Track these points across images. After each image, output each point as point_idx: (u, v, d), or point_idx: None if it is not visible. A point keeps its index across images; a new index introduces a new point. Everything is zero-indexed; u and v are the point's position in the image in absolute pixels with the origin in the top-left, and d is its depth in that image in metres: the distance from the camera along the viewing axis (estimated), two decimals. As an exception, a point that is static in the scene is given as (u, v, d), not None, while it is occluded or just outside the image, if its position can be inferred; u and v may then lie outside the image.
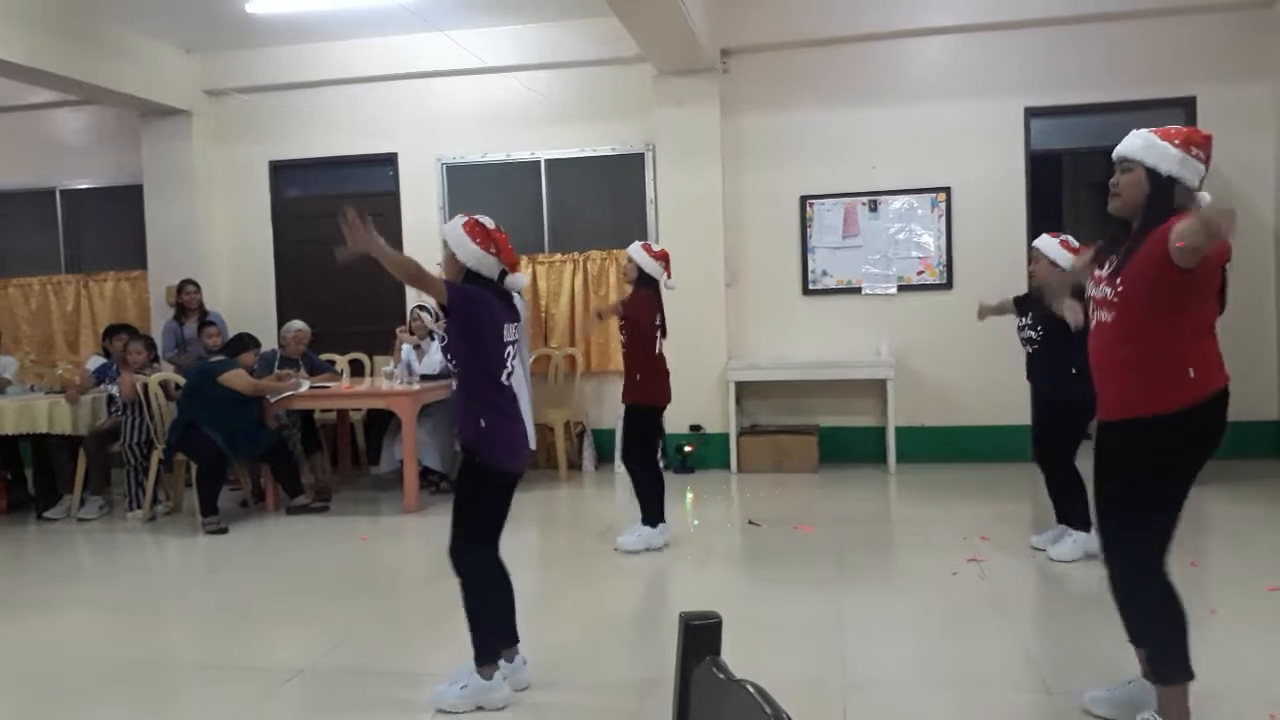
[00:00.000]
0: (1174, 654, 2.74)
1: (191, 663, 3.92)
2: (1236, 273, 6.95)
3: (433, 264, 3.51)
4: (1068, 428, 4.71)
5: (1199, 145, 2.72)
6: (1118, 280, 2.73)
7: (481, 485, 3.29)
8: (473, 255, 3.30)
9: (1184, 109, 7.04)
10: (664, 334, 5.25)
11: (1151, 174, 2.70)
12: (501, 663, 3.30)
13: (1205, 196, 2.74)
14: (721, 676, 1.02)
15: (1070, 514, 4.82)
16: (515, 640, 3.40)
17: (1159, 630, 2.77)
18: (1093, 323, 2.87)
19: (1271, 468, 6.61)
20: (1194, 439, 2.71)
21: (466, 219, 3.36)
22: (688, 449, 7.45)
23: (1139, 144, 2.74)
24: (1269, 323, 6.98)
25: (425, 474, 6.92)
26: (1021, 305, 4.99)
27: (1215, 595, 4.22)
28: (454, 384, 3.39)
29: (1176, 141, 2.70)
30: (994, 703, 3.21)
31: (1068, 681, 3.31)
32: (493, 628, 3.28)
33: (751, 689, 0.94)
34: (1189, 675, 2.73)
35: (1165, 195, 2.70)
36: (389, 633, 4.15)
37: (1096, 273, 2.87)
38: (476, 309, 3.26)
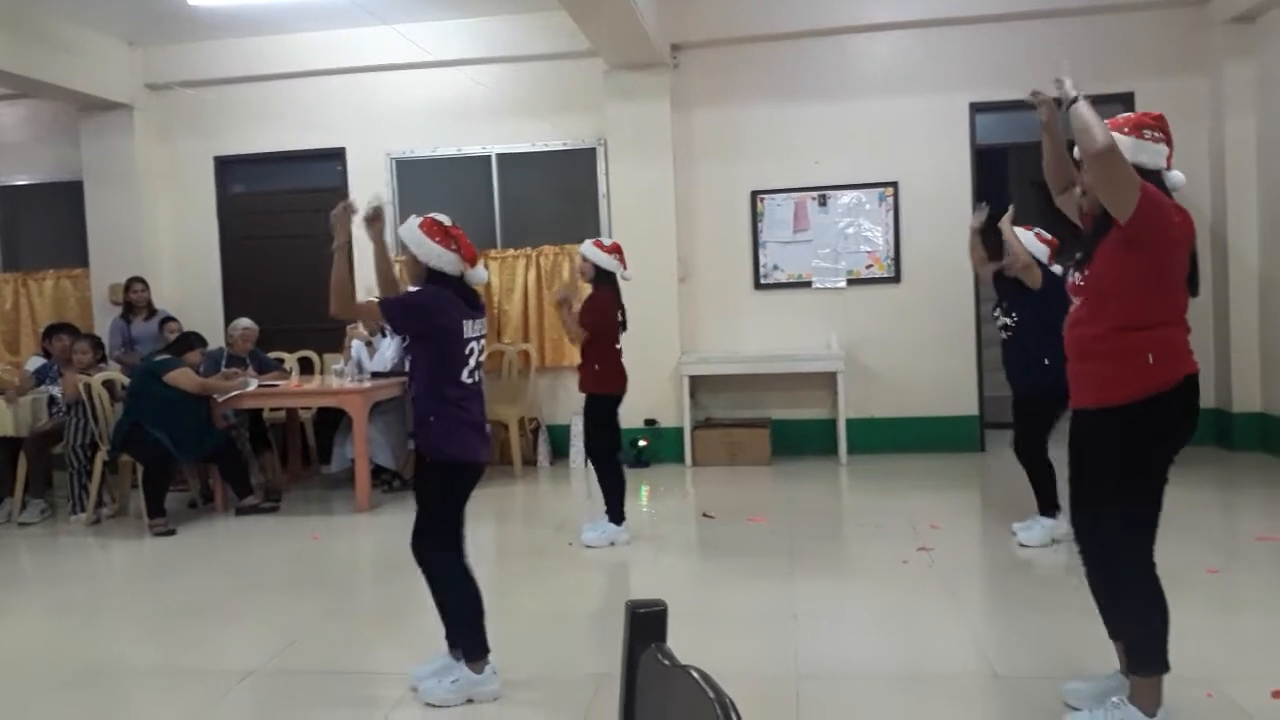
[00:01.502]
0: (1154, 646, 2.74)
1: (140, 667, 3.85)
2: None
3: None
4: (1039, 418, 4.79)
5: (1150, 126, 2.71)
6: (1085, 269, 2.76)
7: (433, 479, 3.29)
8: (433, 254, 3.28)
9: (1123, 104, 7.18)
10: (624, 327, 5.27)
11: None
12: (464, 669, 3.29)
13: (1178, 175, 2.74)
14: (666, 663, 1.03)
15: (1044, 505, 4.89)
16: (486, 651, 3.37)
17: (1141, 622, 2.77)
18: (1070, 310, 2.88)
19: (1211, 455, 6.80)
20: (1160, 427, 2.70)
21: (423, 219, 3.35)
22: (642, 443, 7.46)
23: None
24: (1205, 314, 7.16)
25: (378, 472, 6.86)
26: (997, 287, 4.95)
27: (1155, 578, 4.33)
28: (409, 373, 3.38)
29: (1126, 129, 2.70)
30: (943, 687, 3.27)
31: (1015, 666, 3.38)
32: (476, 620, 3.28)
33: (695, 674, 0.95)
34: (1166, 667, 2.74)
35: None
36: (342, 632, 4.11)
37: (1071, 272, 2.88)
38: (419, 315, 3.26)
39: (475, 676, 3.26)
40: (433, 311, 3.26)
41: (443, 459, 3.25)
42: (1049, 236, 4.80)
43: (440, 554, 3.28)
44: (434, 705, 3.21)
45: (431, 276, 3.32)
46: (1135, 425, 2.69)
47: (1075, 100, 2.65)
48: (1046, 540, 4.78)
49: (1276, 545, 4.71)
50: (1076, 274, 2.82)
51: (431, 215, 3.39)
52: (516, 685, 3.41)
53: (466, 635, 3.27)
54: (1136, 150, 2.67)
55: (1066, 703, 2.98)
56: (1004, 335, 4.92)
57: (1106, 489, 2.76)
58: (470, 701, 3.23)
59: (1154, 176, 2.69)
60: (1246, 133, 6.84)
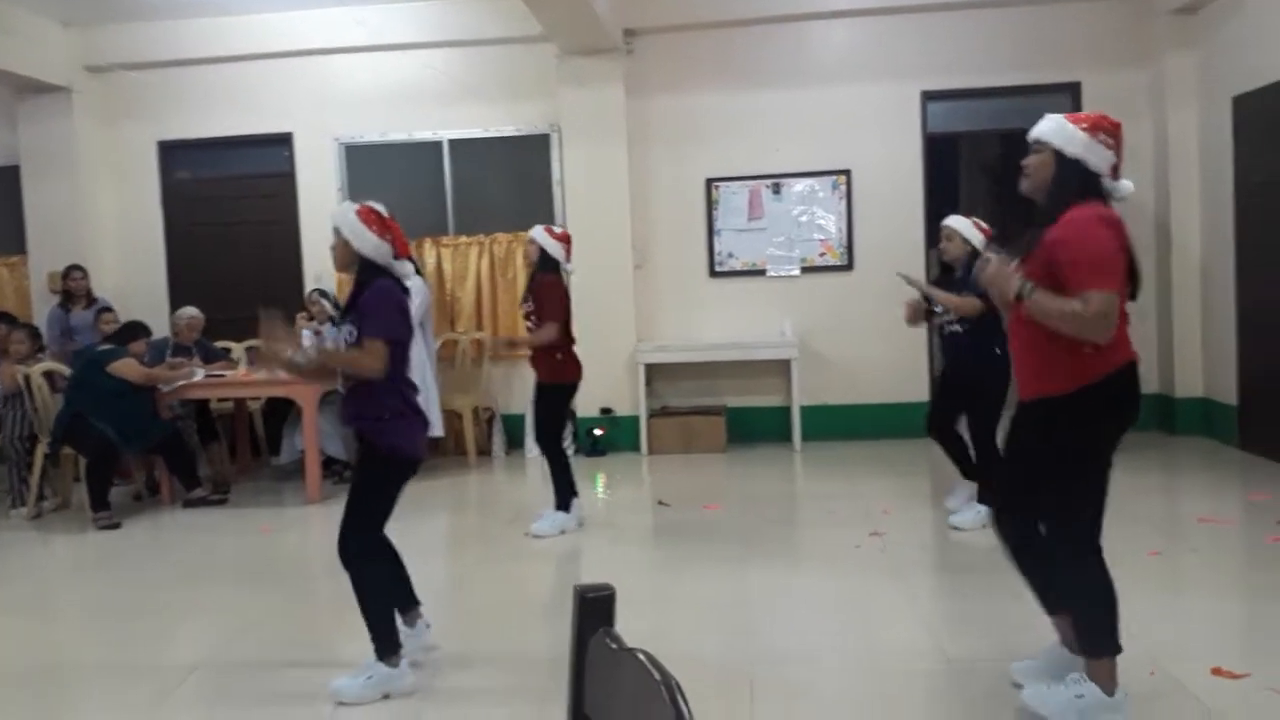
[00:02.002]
0: (1102, 629, 2.79)
1: (85, 664, 3.76)
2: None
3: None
4: (990, 408, 4.83)
5: (1107, 132, 2.79)
6: (1024, 266, 2.80)
7: (383, 474, 3.27)
8: (370, 243, 3.25)
9: (1070, 94, 7.30)
10: (569, 316, 5.24)
11: (1059, 156, 2.79)
12: (403, 627, 3.34)
13: (1126, 185, 2.82)
14: (614, 646, 1.02)
15: (970, 471, 5.03)
16: (416, 603, 3.46)
17: (1088, 607, 2.81)
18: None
19: (1155, 439, 6.95)
20: (1102, 415, 2.75)
21: (359, 206, 3.31)
22: (599, 432, 7.45)
23: (1050, 126, 2.83)
24: (1149, 303, 7.30)
25: (328, 463, 6.76)
26: (944, 288, 4.96)
27: (1101, 560, 4.42)
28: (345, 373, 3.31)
29: (1084, 126, 2.78)
30: (895, 671, 3.31)
31: (965, 648, 3.42)
32: (390, 617, 3.26)
33: (642, 656, 0.94)
34: (1117, 649, 2.79)
35: (1071, 177, 2.78)
36: (292, 625, 4.05)
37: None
38: (400, 320, 3.25)
39: (390, 671, 3.22)
40: (401, 307, 3.27)
41: (401, 455, 3.26)
42: (985, 226, 4.88)
43: (366, 540, 3.26)
44: (346, 704, 3.15)
45: (364, 265, 3.29)
46: (1076, 414, 2.74)
47: (1030, 291, 2.72)
48: (979, 524, 4.80)
49: (1217, 527, 4.83)
50: (1018, 258, 2.85)
51: (368, 203, 3.35)
52: (470, 672, 3.41)
53: (379, 624, 3.22)
54: (1087, 149, 2.76)
55: (1015, 681, 3.03)
56: (955, 329, 4.93)
57: (1048, 478, 2.81)
58: (387, 697, 3.19)
59: (1094, 179, 2.78)
60: (1189, 124, 6.97)
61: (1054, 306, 2.67)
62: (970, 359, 4.83)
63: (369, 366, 3.15)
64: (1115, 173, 2.82)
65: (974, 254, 4.64)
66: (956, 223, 4.91)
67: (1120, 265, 2.71)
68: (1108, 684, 2.77)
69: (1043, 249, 2.74)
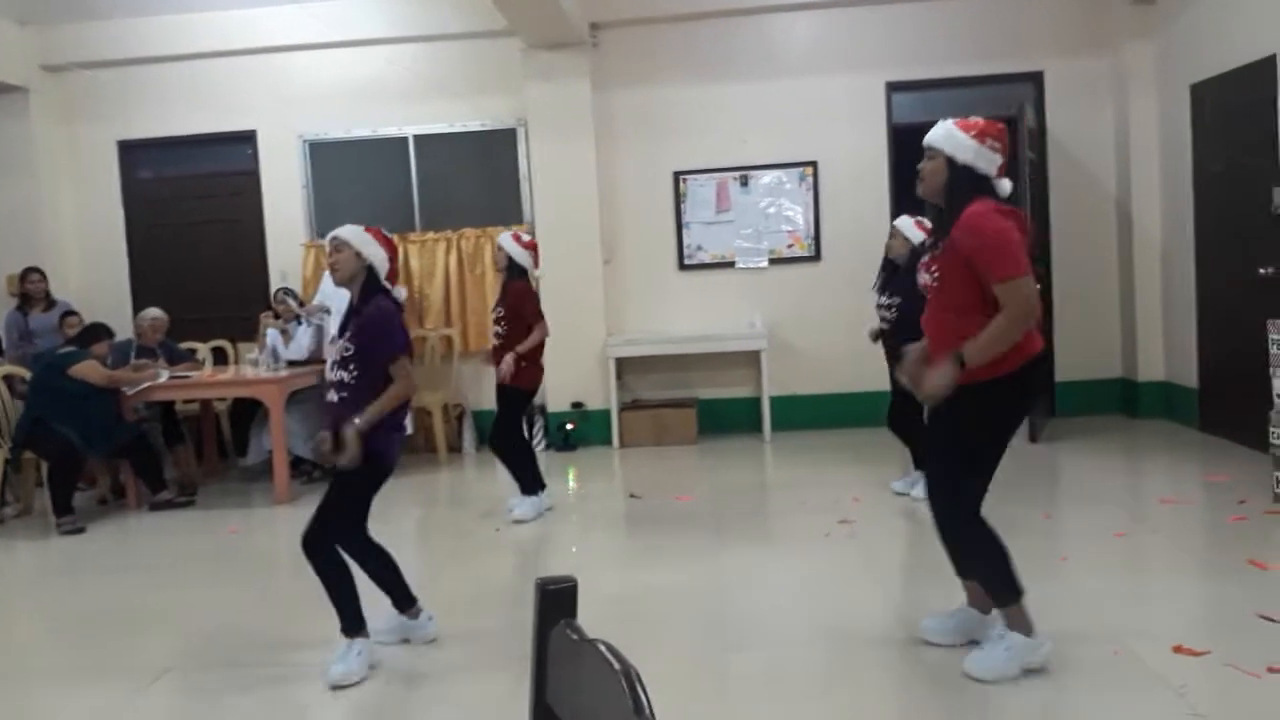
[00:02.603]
0: (1002, 580, 3.02)
1: (51, 669, 3.71)
2: (1081, 243, 7.38)
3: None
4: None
5: (994, 137, 2.97)
6: (934, 267, 3.01)
7: (364, 478, 3.36)
8: (377, 256, 3.40)
9: (1033, 83, 7.38)
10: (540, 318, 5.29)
11: (950, 162, 2.96)
12: (407, 619, 3.56)
13: (1006, 184, 3.01)
14: (575, 637, 1.02)
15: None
16: (414, 600, 3.58)
17: (986, 563, 3.06)
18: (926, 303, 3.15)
19: (1118, 423, 7.05)
20: (1010, 401, 2.98)
21: (366, 228, 3.48)
22: (570, 426, 7.44)
23: (941, 134, 3.00)
24: (1111, 287, 7.41)
25: (296, 464, 6.70)
26: (885, 281, 5.29)
27: (1067, 544, 4.48)
28: (339, 382, 3.36)
29: (973, 133, 2.96)
30: (866, 655, 3.34)
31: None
32: (354, 595, 3.36)
33: (603, 647, 0.95)
34: (1019, 594, 3.01)
35: (963, 181, 2.96)
36: (263, 625, 4.02)
37: (924, 259, 3.15)
38: (403, 331, 3.40)
39: (367, 641, 3.37)
40: (402, 326, 3.41)
41: (384, 462, 3.39)
42: (927, 225, 4.97)
43: (350, 545, 3.41)
44: (342, 686, 3.23)
45: (369, 279, 3.41)
46: (991, 400, 2.94)
47: (961, 357, 2.87)
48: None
49: (1178, 507, 4.91)
50: (928, 274, 3.05)
51: (375, 228, 3.54)
52: (443, 662, 3.43)
53: (348, 604, 3.34)
54: (977, 155, 2.93)
55: (925, 639, 3.29)
56: (884, 325, 5.25)
57: (955, 453, 3.03)
58: (406, 641, 3.48)
59: (984, 181, 2.96)
60: (1149, 111, 7.06)
61: (988, 340, 2.84)
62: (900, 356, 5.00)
63: (405, 388, 3.32)
64: (1001, 172, 3.01)
65: (914, 251, 4.86)
66: (901, 223, 5.19)
67: (1023, 251, 2.90)
68: (1025, 627, 3.00)
69: (951, 247, 2.94)
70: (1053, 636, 3.04)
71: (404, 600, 3.56)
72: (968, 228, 2.88)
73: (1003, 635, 3.02)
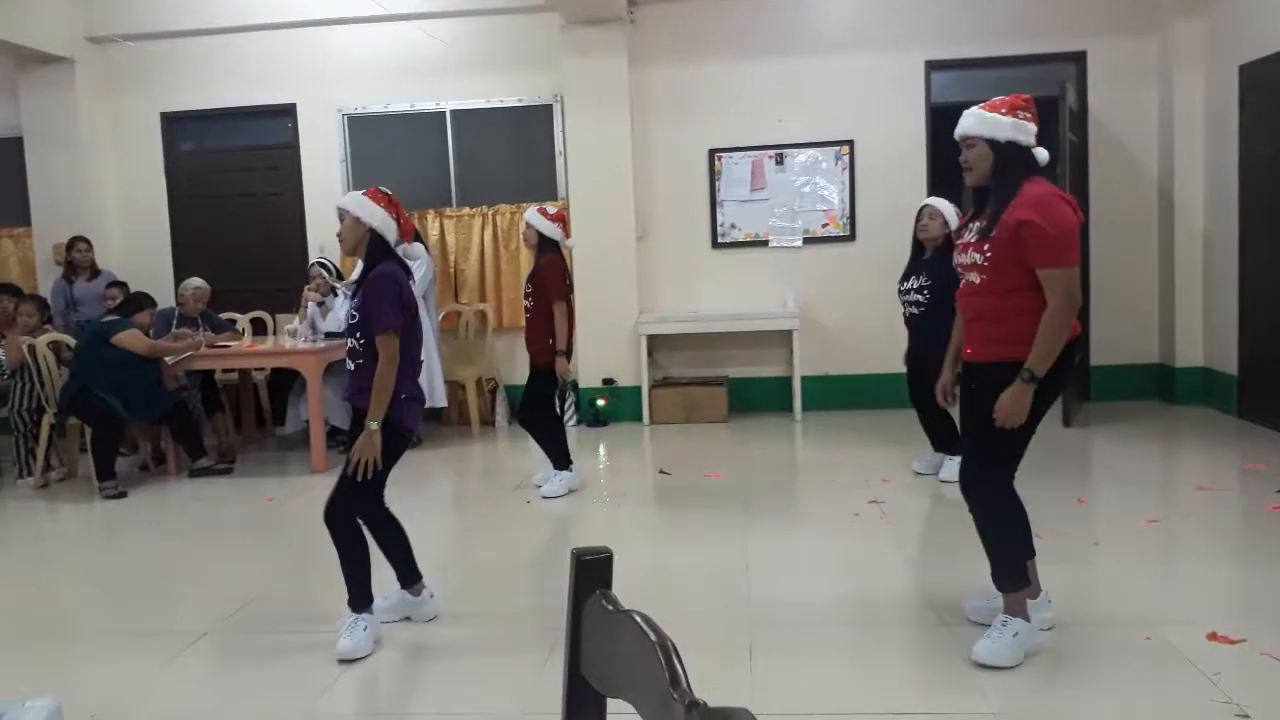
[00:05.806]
0: (1016, 565, 3.08)
1: (91, 631, 3.82)
2: (1121, 226, 7.27)
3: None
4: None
5: (1022, 107, 3.00)
6: (985, 247, 2.97)
7: (390, 450, 3.40)
8: (378, 215, 3.39)
9: (1075, 63, 7.26)
10: (571, 291, 5.31)
11: (992, 144, 2.98)
12: (408, 595, 3.60)
13: (1042, 152, 3.01)
14: (610, 608, 1.04)
15: (950, 445, 5.25)
16: (419, 576, 3.62)
17: (1003, 544, 3.09)
18: (962, 282, 3.13)
19: (1154, 408, 6.97)
20: (1055, 380, 2.97)
21: (365, 190, 3.50)
22: (601, 402, 7.48)
23: (973, 121, 3.02)
24: (1150, 271, 7.30)
25: (333, 433, 6.80)
26: (913, 267, 5.26)
27: (1100, 529, 4.46)
28: (352, 349, 3.41)
29: (1003, 110, 2.99)
30: (891, 637, 3.35)
31: (960, 615, 3.46)
32: (366, 573, 3.44)
33: (638, 618, 0.97)
34: (1022, 584, 3.08)
35: (1010, 159, 2.97)
36: (298, 591, 4.11)
37: (963, 239, 3.12)
38: (402, 304, 3.35)
39: (376, 617, 3.45)
40: (406, 295, 3.37)
41: (403, 429, 3.42)
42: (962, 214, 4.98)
43: (369, 513, 3.47)
44: (350, 660, 3.29)
45: (373, 242, 3.41)
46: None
47: (1031, 373, 2.91)
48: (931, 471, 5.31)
49: (1213, 494, 4.86)
50: (977, 254, 3.01)
51: (375, 187, 3.56)
52: (473, 632, 3.48)
53: (360, 578, 3.43)
54: (1015, 129, 2.95)
55: (969, 619, 3.33)
56: (912, 310, 5.23)
57: (992, 431, 3.01)
58: (377, 642, 3.40)
59: (1026, 152, 2.97)
60: (1194, 92, 6.93)
61: (1045, 342, 2.89)
62: (937, 335, 4.93)
63: (389, 364, 3.29)
64: (1035, 140, 3.02)
65: (948, 238, 4.83)
66: (941, 204, 5.10)
67: (1078, 241, 2.93)
68: (1024, 611, 3.06)
69: (1005, 228, 2.91)
70: (1083, 621, 3.05)
71: (409, 575, 3.59)
72: (1038, 206, 2.87)
73: (1005, 623, 3.05)
